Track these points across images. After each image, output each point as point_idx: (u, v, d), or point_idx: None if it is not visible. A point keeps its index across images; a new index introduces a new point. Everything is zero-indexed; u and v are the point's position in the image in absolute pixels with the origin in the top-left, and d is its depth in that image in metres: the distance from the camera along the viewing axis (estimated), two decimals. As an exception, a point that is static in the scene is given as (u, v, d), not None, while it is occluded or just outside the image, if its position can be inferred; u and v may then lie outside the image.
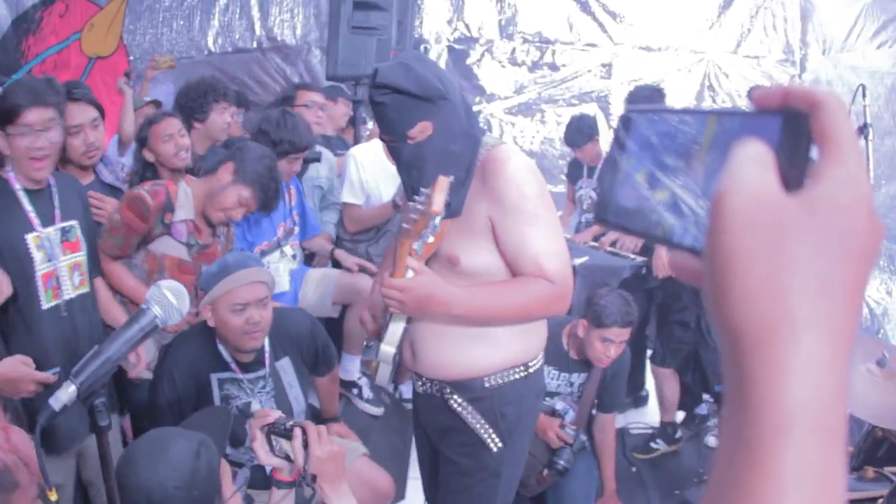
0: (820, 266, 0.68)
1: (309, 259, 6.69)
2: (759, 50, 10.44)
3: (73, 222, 4.38)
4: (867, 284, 0.71)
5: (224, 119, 6.35)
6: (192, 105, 6.19)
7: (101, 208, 5.07)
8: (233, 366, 4.41)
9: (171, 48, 11.00)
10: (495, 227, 3.43)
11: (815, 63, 10.40)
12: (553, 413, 5.35)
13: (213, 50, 11.19)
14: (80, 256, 4.42)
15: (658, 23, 10.43)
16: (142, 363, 4.51)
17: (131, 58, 10.88)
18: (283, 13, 11.12)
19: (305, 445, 3.08)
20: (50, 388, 3.13)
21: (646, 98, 7.34)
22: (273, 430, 3.20)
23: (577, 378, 5.42)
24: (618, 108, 8.75)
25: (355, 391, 6.25)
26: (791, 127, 0.72)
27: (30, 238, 4.16)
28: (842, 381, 0.67)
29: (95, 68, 10.12)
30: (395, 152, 3.48)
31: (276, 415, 3.27)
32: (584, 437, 5.27)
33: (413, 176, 3.37)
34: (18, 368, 3.52)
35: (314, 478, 3.06)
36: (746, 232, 0.69)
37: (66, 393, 2.48)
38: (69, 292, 4.35)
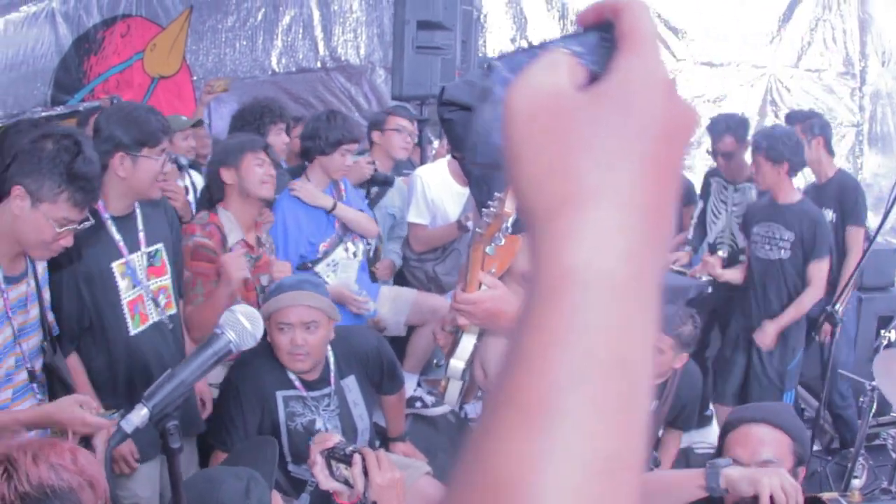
0: (609, 146, 0.69)
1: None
2: (819, 63, 10.36)
3: (159, 245, 4.44)
4: (681, 160, 0.74)
5: (282, 140, 6.38)
6: (248, 128, 6.20)
7: (176, 192, 5.32)
8: (297, 383, 4.42)
9: (235, 68, 11.07)
10: None
11: (874, 75, 10.32)
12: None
13: (276, 70, 11.24)
14: (166, 280, 4.47)
15: (719, 38, 10.36)
16: (208, 409, 4.58)
17: (194, 78, 10.94)
18: (347, 33, 11.15)
19: (366, 472, 3.05)
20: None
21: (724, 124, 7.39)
22: (333, 455, 3.18)
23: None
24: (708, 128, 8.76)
25: (418, 404, 6.23)
26: (605, 37, 0.77)
27: (115, 266, 4.22)
28: (638, 246, 0.68)
29: (159, 88, 10.21)
30: (465, 169, 3.47)
31: (336, 439, 3.25)
32: (655, 454, 5.22)
33: (484, 191, 3.31)
34: (72, 410, 3.50)
35: None
36: (532, 122, 0.72)
37: (139, 416, 2.47)
38: (156, 316, 4.41)
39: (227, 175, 5.11)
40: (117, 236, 4.23)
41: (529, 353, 0.67)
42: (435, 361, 4.03)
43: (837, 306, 5.29)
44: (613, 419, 0.66)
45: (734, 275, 7.09)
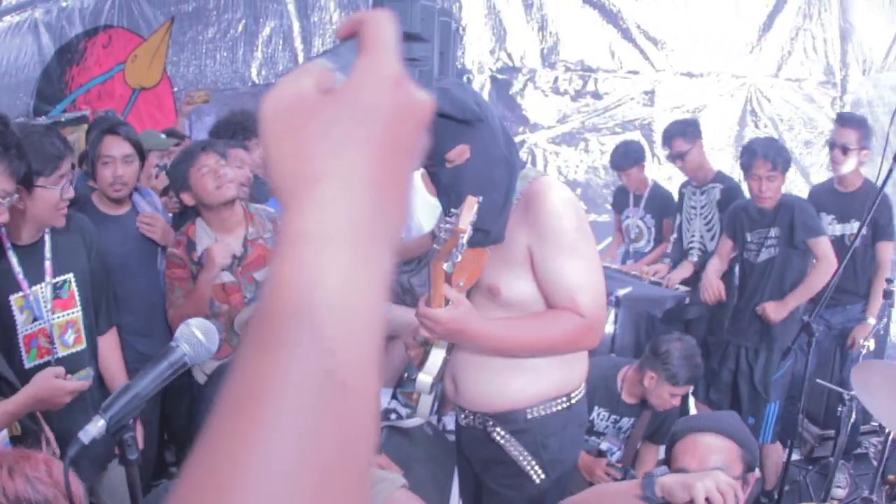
0: (338, 134, 0.82)
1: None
2: (800, 73, 10.34)
3: (68, 276, 4.34)
4: (414, 141, 0.88)
5: (259, 153, 6.40)
6: (229, 136, 6.23)
7: (152, 225, 5.22)
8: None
9: (216, 80, 11.08)
10: (533, 258, 3.45)
11: (855, 84, 10.32)
12: (599, 453, 5.32)
13: (256, 81, 11.26)
14: (75, 313, 4.37)
15: (699, 48, 10.37)
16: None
17: (175, 89, 10.95)
18: (327, 44, 11.16)
19: None
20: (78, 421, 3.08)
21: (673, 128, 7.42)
22: None
23: (626, 422, 5.40)
24: (662, 136, 8.74)
25: (393, 416, 6.23)
26: (356, 46, 0.90)
27: (13, 299, 4.13)
28: (363, 213, 0.80)
29: (140, 99, 10.23)
30: (433, 177, 3.49)
31: None
32: (633, 473, 5.24)
33: (451, 200, 3.35)
34: (52, 383, 3.49)
35: None
36: (278, 122, 0.85)
37: (96, 427, 2.47)
38: (61, 351, 4.32)
39: (186, 198, 5.18)
40: (17, 268, 4.14)
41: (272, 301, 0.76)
42: (406, 374, 4.01)
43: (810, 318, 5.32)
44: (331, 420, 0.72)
45: (681, 272, 7.15)
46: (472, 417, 3.84)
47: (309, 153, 0.82)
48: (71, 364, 4.18)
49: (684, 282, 7.27)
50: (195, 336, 2.69)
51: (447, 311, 3.26)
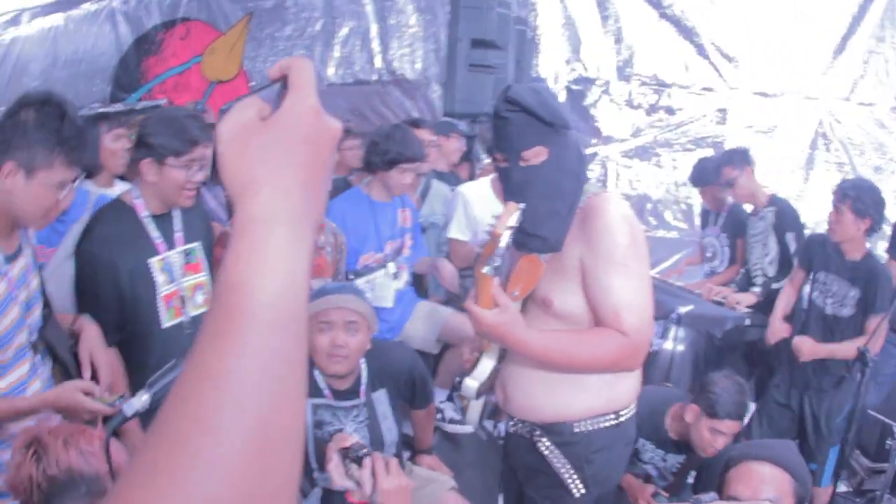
0: (272, 152, 1.09)
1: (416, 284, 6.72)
2: (871, 97, 10.22)
3: (195, 244, 4.51)
4: (328, 159, 1.15)
5: (354, 154, 6.47)
6: None
7: None
8: (327, 392, 4.43)
9: (293, 77, 11.11)
10: (584, 271, 3.41)
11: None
12: (647, 479, 5.27)
13: (333, 80, 11.27)
14: (203, 277, 4.53)
15: (773, 67, 10.29)
16: None
17: (251, 84, 11.02)
18: (403, 47, 11.18)
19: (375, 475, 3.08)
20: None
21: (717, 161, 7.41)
22: (347, 455, 3.21)
23: (672, 459, 5.29)
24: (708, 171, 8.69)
25: (438, 416, 6.25)
26: (284, 84, 1.17)
27: (153, 262, 4.31)
28: (295, 209, 1.07)
29: (216, 92, 10.30)
30: (503, 174, 3.48)
31: (352, 440, 3.27)
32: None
33: (515, 199, 3.31)
34: (73, 397, 3.52)
35: None
36: (229, 143, 1.11)
37: (140, 401, 2.50)
38: (192, 311, 4.49)
39: None
40: (155, 233, 4.32)
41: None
42: (458, 380, 4.05)
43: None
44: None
45: (745, 297, 7.08)
46: (520, 425, 3.82)
47: (253, 164, 1.09)
48: (197, 324, 4.32)
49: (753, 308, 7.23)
50: None
51: (493, 314, 3.24)
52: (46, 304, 3.87)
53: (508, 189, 3.47)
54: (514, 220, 3.07)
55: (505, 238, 3.06)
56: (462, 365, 3.90)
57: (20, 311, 3.55)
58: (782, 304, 6.80)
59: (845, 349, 6.02)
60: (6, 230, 3.54)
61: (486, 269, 3.16)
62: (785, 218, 7.11)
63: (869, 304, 6.09)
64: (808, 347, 6.23)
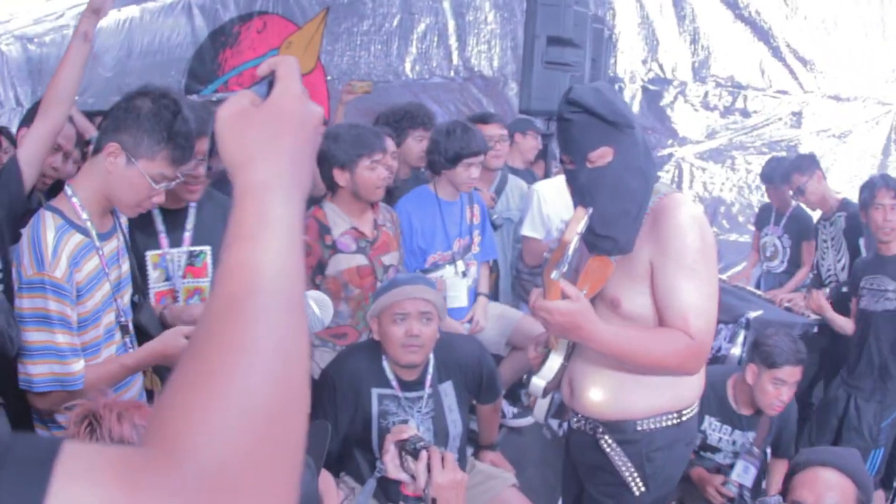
0: (266, 131, 1.27)
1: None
2: (944, 103, 10.13)
3: (206, 248, 4.41)
4: (311, 138, 1.32)
5: (421, 147, 6.45)
6: (390, 127, 6.29)
7: None
8: (394, 383, 4.45)
9: (369, 71, 11.20)
10: (654, 272, 3.41)
11: None
12: (718, 470, 5.25)
13: (410, 76, 11.33)
14: (204, 283, 4.42)
15: (847, 71, 10.22)
16: None
17: (329, 77, 11.10)
18: (481, 44, 11.22)
19: (429, 468, 3.10)
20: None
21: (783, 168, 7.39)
22: (404, 447, 3.23)
23: (741, 437, 5.28)
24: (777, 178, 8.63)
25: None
26: (272, 80, 1.35)
27: (149, 255, 4.23)
28: (287, 169, 1.24)
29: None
30: (570, 175, 3.51)
31: (410, 432, 3.29)
32: (748, 496, 5.15)
33: (585, 202, 3.31)
34: (178, 342, 3.54)
35: (434, 502, 3.07)
36: (228, 124, 1.29)
37: None
38: None
39: (340, 177, 5.19)
40: (161, 226, 4.26)
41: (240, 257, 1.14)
42: (525, 377, 4.05)
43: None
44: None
45: (844, 323, 7.00)
46: (583, 422, 3.83)
47: (247, 140, 1.26)
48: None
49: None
50: (311, 307, 2.75)
51: (566, 303, 3.22)
52: (136, 291, 3.92)
53: (577, 191, 3.48)
54: (582, 226, 3.07)
55: (573, 245, 3.06)
56: (529, 363, 3.91)
57: (111, 290, 3.61)
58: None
59: None
60: (102, 210, 3.60)
61: (554, 275, 3.15)
62: (856, 222, 7.05)
63: None
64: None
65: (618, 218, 3.34)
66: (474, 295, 6.23)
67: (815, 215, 7.94)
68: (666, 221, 3.38)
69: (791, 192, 7.48)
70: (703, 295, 3.37)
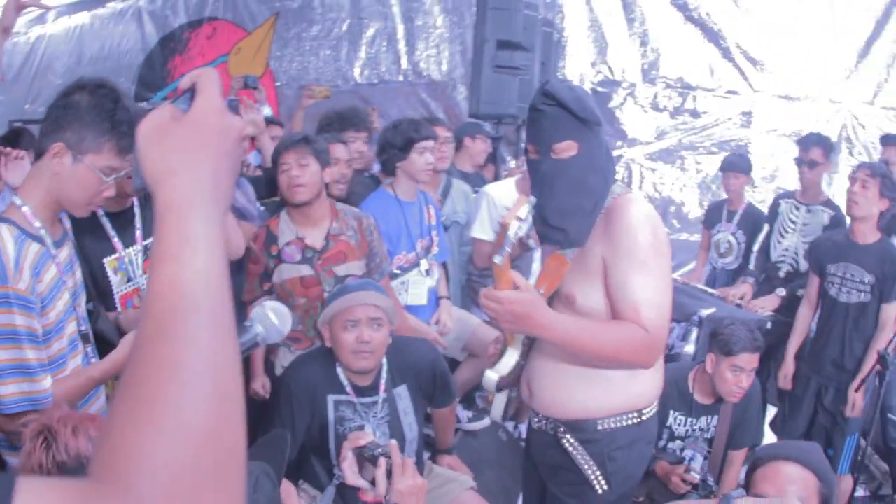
0: (185, 144, 1.26)
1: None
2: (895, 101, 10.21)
3: None
4: (231, 149, 1.31)
5: (356, 147, 6.46)
6: (326, 132, 6.29)
7: None
8: (348, 388, 4.45)
9: (318, 76, 11.21)
10: (606, 268, 3.44)
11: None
12: (680, 462, 5.28)
13: (359, 81, 11.36)
14: None
15: (797, 71, 10.31)
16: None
17: (278, 83, 11.08)
18: (430, 48, 11.24)
19: (390, 475, 3.10)
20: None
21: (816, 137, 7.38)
22: (362, 454, 3.23)
23: (705, 422, 5.33)
24: (757, 159, 8.65)
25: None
26: (193, 93, 1.34)
27: (107, 262, 4.20)
28: (206, 184, 1.23)
29: (242, 91, 10.34)
30: (532, 165, 3.53)
31: (368, 438, 3.29)
32: (711, 481, 5.19)
33: (543, 192, 3.40)
34: None
35: None
36: (148, 138, 1.28)
37: None
38: None
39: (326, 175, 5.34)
40: (111, 231, 4.22)
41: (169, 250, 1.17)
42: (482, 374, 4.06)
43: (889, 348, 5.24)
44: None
45: (767, 302, 7.06)
46: (544, 422, 3.84)
47: (167, 155, 1.25)
48: None
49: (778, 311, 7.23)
50: (269, 318, 2.75)
51: (514, 292, 3.25)
52: (90, 298, 3.87)
53: (536, 181, 3.52)
54: (523, 211, 3.10)
55: (513, 228, 3.09)
56: (487, 361, 3.92)
57: (70, 298, 3.55)
58: (796, 338, 6.78)
59: (873, 357, 5.93)
60: (53, 216, 3.53)
61: (497, 258, 3.19)
62: (839, 225, 7.08)
63: (884, 292, 6.10)
64: (856, 401, 6.20)
65: (572, 211, 3.38)
66: (435, 296, 6.23)
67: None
68: (618, 219, 3.42)
69: (802, 161, 7.42)
70: (655, 289, 3.40)
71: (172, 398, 1.02)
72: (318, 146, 5.29)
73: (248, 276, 5.23)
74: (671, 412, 5.27)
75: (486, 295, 3.32)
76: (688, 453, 5.28)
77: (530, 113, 3.51)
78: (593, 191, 3.44)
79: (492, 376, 3.69)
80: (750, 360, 5.08)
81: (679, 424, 5.30)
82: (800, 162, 7.43)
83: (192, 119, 1.30)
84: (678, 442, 5.36)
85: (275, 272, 5.17)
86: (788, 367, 6.70)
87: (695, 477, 5.11)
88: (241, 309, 5.21)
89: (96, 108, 3.39)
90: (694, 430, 5.34)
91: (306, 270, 5.16)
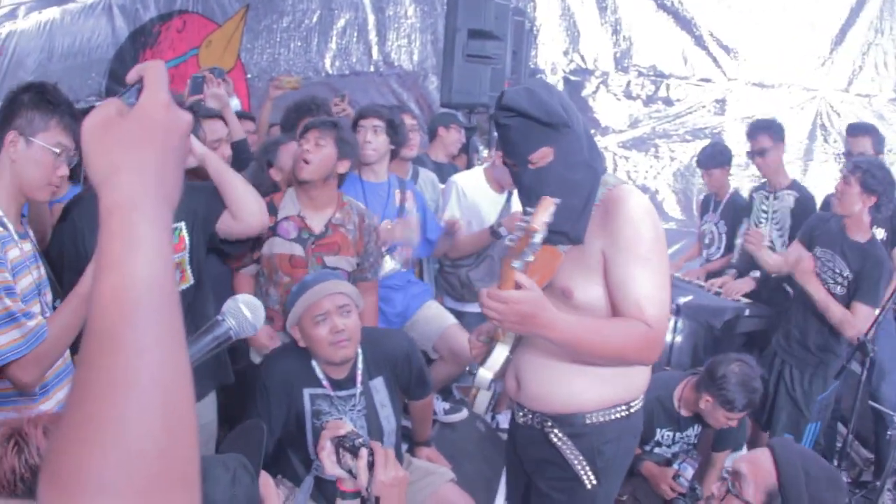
0: (129, 140, 1.22)
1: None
2: (870, 88, 10.22)
3: (179, 224, 4.46)
4: (180, 144, 1.27)
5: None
6: (290, 124, 6.29)
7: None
8: (325, 382, 4.41)
9: (289, 68, 11.19)
10: (606, 263, 3.40)
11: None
12: (668, 463, 5.26)
13: (330, 72, 11.33)
14: (181, 256, 4.48)
15: (771, 58, 10.35)
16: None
17: (249, 75, 11.05)
18: (401, 38, 11.22)
19: (371, 466, 3.06)
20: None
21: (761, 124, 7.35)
22: (342, 444, 3.19)
23: (692, 431, 5.34)
24: (731, 146, 8.64)
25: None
26: (140, 86, 1.30)
27: None
28: (151, 183, 1.19)
29: (213, 84, 10.34)
30: (516, 177, 3.50)
31: (347, 428, 3.25)
32: (698, 488, 5.17)
33: (532, 200, 3.31)
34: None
35: (377, 500, 3.04)
36: (92, 135, 1.23)
37: None
38: None
39: (274, 173, 5.44)
40: None
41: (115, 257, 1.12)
42: (468, 369, 3.98)
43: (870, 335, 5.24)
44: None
45: (743, 285, 7.08)
46: (530, 416, 3.80)
47: (111, 151, 1.21)
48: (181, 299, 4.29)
49: (746, 294, 7.22)
50: (241, 312, 2.71)
51: (520, 292, 3.17)
52: (56, 295, 3.89)
53: (522, 192, 3.50)
54: (549, 214, 3.04)
55: (540, 234, 3.03)
56: (471, 354, 3.87)
57: (34, 283, 3.64)
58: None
59: (836, 311, 6.04)
60: (17, 209, 3.68)
61: (516, 264, 3.12)
62: (806, 205, 7.09)
63: (857, 290, 6.06)
64: (805, 264, 6.21)
65: (566, 213, 3.31)
66: (404, 280, 6.24)
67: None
68: (617, 213, 3.39)
69: (753, 153, 7.42)
70: (656, 284, 3.38)
71: (118, 416, 1.00)
72: (344, 135, 5.30)
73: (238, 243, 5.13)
74: (658, 429, 5.25)
75: (489, 295, 3.24)
76: (680, 467, 5.25)
77: (496, 129, 3.48)
78: (581, 187, 3.41)
79: (486, 375, 3.63)
80: (744, 414, 5.14)
81: (667, 439, 5.28)
82: (750, 155, 7.46)
83: (137, 115, 1.25)
84: (665, 448, 5.35)
85: (266, 243, 5.16)
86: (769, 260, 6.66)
87: (683, 485, 5.10)
88: (227, 275, 5.28)
89: (37, 95, 3.63)
90: (682, 439, 5.32)
91: (298, 250, 5.14)
